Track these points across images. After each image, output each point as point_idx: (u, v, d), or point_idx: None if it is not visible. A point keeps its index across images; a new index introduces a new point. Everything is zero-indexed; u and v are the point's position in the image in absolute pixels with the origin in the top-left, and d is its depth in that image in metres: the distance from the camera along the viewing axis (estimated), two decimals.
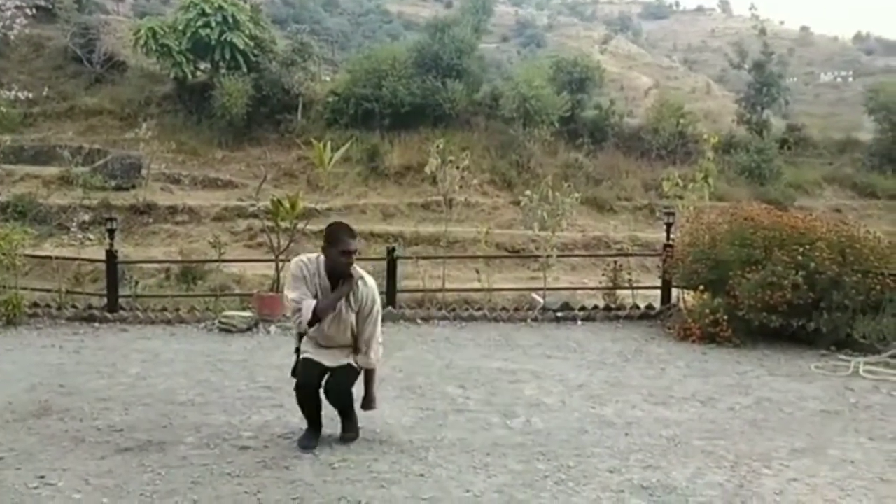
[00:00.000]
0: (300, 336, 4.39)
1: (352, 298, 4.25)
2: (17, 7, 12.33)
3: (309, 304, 4.11)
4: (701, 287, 7.46)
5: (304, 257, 4.31)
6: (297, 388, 4.33)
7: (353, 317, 4.29)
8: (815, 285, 6.79)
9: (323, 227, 4.42)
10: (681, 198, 9.10)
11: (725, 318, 7.06)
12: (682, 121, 22.81)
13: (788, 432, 4.71)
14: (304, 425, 4.41)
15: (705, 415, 5.05)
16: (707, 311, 7.18)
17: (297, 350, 4.40)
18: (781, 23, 72.80)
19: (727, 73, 46.43)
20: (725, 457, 4.26)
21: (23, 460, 4.13)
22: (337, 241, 4.16)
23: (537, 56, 39.01)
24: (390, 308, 8.21)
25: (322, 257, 4.22)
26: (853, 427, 4.83)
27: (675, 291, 8.53)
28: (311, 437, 4.37)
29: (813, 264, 6.77)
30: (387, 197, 19.56)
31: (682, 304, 8.14)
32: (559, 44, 51.61)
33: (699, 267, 7.51)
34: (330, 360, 4.31)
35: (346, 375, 4.35)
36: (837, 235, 7.10)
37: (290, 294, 4.18)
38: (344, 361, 4.33)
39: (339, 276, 4.19)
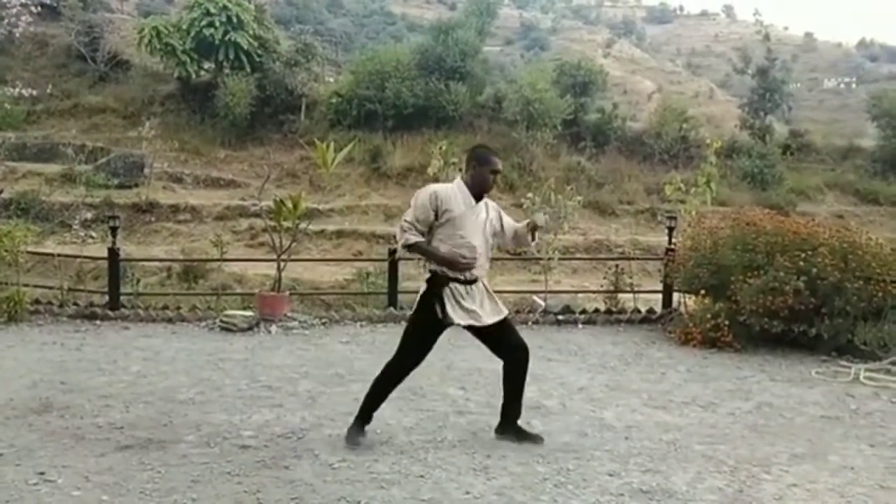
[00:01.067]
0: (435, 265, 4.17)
1: (494, 222, 4.33)
2: (22, 5, 12.38)
3: (412, 237, 4.13)
4: (702, 291, 7.45)
5: (438, 188, 4.23)
6: (407, 364, 4.25)
7: (492, 239, 4.34)
8: (816, 291, 6.78)
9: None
10: (683, 202, 9.10)
11: (726, 322, 7.05)
12: (684, 125, 22.85)
13: (789, 438, 4.70)
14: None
15: (706, 419, 5.05)
16: (708, 315, 7.17)
17: (433, 284, 4.17)
18: (785, 28, 72.99)
19: (730, 78, 46.56)
20: (725, 462, 4.26)
21: (23, 456, 4.13)
22: (488, 160, 4.24)
23: (541, 59, 39.09)
24: (391, 309, 8.21)
25: (458, 182, 4.26)
26: (853, 433, 4.83)
27: (676, 296, 8.53)
28: (363, 432, 4.31)
29: (815, 270, 6.76)
30: (389, 198, 19.56)
31: (683, 309, 8.14)
32: (563, 47, 51.58)
33: (701, 271, 7.50)
34: (480, 313, 4.19)
35: (515, 331, 4.36)
36: (839, 241, 7.08)
37: (408, 217, 4.15)
38: (498, 317, 4.26)
39: (483, 193, 4.26)
